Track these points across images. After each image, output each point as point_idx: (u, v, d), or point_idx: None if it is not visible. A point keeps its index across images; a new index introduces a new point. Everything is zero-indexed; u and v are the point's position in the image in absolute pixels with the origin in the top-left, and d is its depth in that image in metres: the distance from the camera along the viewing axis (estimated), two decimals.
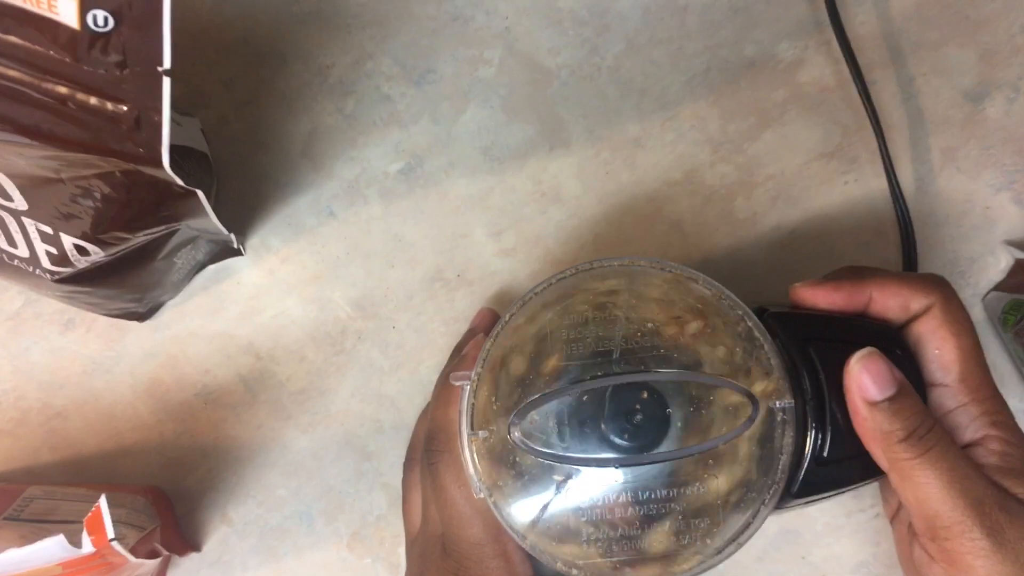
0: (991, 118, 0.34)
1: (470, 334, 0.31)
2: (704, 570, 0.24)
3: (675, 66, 0.34)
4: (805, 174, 0.34)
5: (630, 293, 0.26)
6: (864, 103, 0.32)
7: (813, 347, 0.25)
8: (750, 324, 0.25)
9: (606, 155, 0.34)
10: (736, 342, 0.25)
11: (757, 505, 0.24)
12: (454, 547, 0.26)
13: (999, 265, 0.33)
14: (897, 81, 0.34)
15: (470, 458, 0.25)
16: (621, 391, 0.24)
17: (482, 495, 0.24)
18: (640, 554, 0.25)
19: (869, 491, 0.32)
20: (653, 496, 0.25)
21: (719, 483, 0.25)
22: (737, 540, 0.24)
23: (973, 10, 0.34)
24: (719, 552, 0.24)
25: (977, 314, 0.33)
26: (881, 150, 0.33)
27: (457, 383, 0.25)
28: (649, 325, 0.25)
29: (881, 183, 0.33)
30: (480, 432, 0.24)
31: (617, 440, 0.23)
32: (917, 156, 0.34)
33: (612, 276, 0.26)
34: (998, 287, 0.33)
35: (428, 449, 0.27)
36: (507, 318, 0.26)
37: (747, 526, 0.24)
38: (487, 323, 0.31)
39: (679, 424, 0.24)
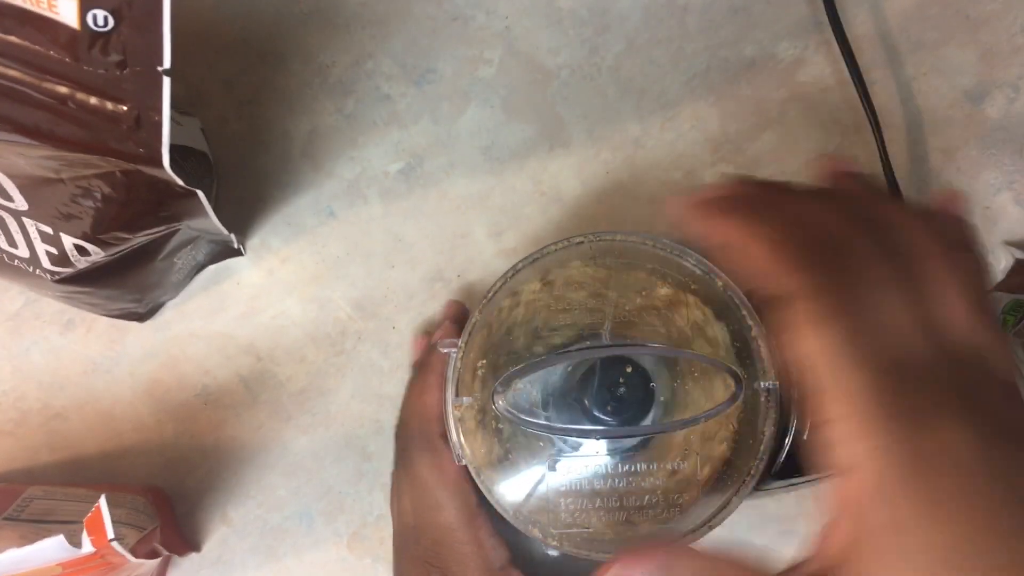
0: (991, 118, 0.34)
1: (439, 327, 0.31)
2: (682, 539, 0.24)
3: (675, 66, 0.34)
4: (805, 174, 0.34)
5: (620, 269, 0.27)
6: (863, 104, 0.32)
7: None
8: (738, 302, 0.25)
9: (606, 155, 0.34)
10: (724, 321, 0.26)
11: (737, 484, 0.24)
12: (426, 533, 0.25)
13: (999, 265, 0.33)
14: (897, 81, 0.34)
15: (453, 425, 0.25)
16: (606, 364, 0.24)
17: (463, 463, 0.24)
18: (620, 527, 0.25)
19: None
20: (634, 470, 0.25)
21: (700, 460, 0.25)
22: (716, 518, 0.24)
23: (973, 10, 0.34)
24: (695, 530, 0.24)
25: None
26: (880, 151, 0.33)
27: (444, 349, 0.26)
28: (638, 300, 0.26)
29: (881, 183, 0.33)
30: (464, 399, 0.25)
31: (600, 413, 0.23)
32: (917, 156, 0.34)
33: (603, 251, 0.26)
34: (998, 287, 0.33)
35: (400, 435, 0.27)
36: (497, 286, 0.26)
37: (727, 504, 0.24)
38: (455, 313, 0.31)
39: (662, 399, 0.25)
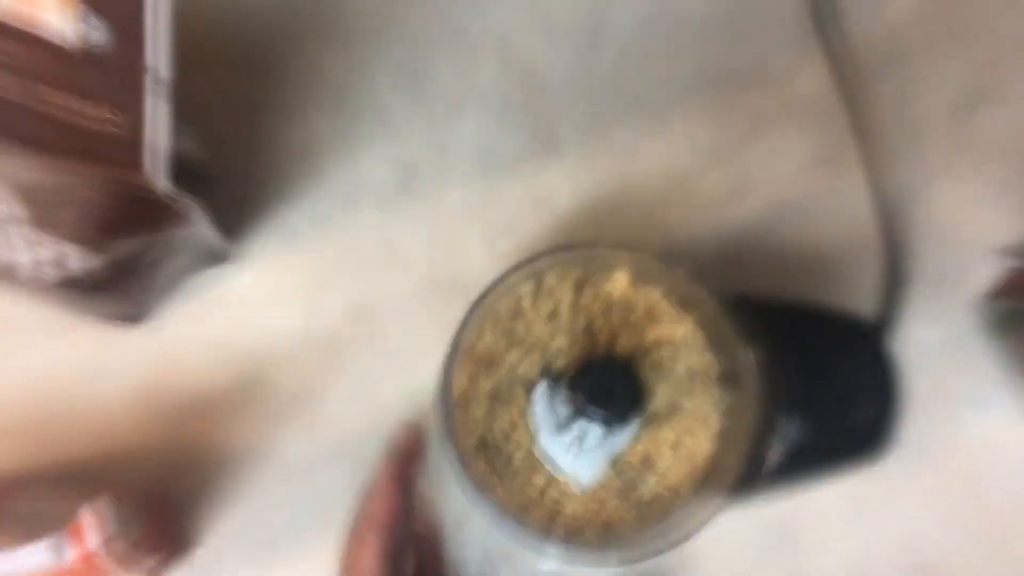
0: (984, 125, 0.34)
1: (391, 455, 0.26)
2: (668, 548, 0.24)
3: (669, 76, 0.34)
4: (797, 182, 0.34)
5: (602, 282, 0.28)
6: (857, 112, 0.33)
7: (788, 336, 0.26)
8: (722, 311, 0.25)
9: (600, 164, 0.34)
10: (708, 329, 0.27)
11: (725, 486, 0.24)
12: None
13: (991, 272, 0.33)
14: (891, 88, 0.34)
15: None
16: (599, 364, 0.25)
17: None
18: (603, 534, 0.26)
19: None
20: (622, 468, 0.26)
21: (680, 458, 0.26)
22: (700, 519, 0.24)
23: (968, 17, 0.34)
24: (678, 539, 0.24)
25: (969, 321, 0.33)
26: (872, 159, 0.33)
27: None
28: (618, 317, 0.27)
29: (874, 191, 0.33)
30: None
31: (593, 408, 0.24)
32: (910, 163, 0.34)
33: (581, 263, 0.28)
34: (991, 294, 0.33)
35: None
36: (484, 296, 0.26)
37: (714, 506, 0.24)
38: (406, 445, 0.26)
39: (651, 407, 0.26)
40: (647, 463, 0.27)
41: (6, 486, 0.30)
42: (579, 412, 0.24)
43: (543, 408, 0.27)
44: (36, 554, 0.24)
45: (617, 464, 0.27)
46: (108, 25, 0.20)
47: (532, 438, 0.27)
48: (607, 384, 0.24)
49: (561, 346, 0.27)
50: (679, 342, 0.27)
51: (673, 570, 0.31)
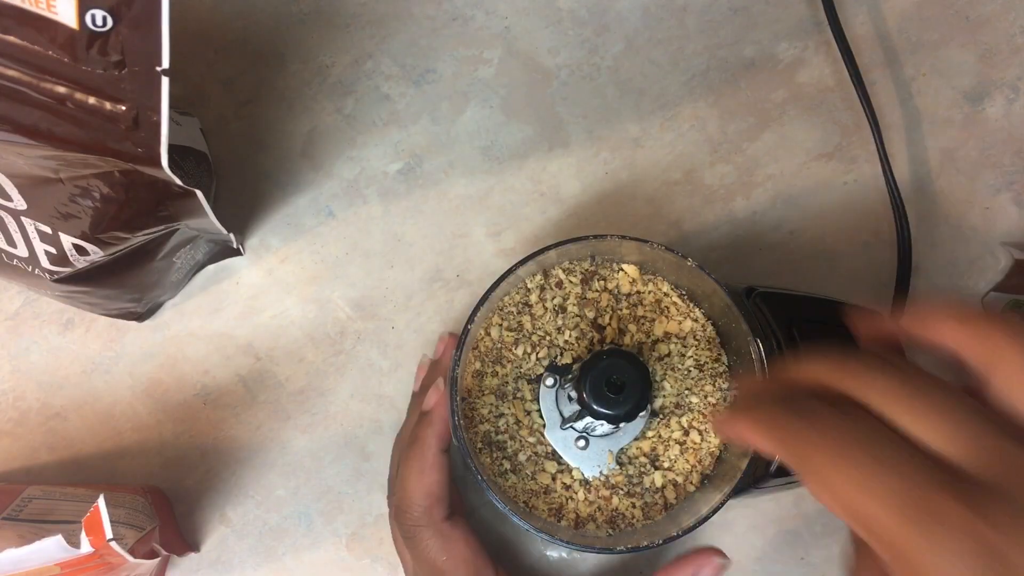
0: (990, 118, 0.34)
1: (432, 370, 0.30)
2: (676, 537, 0.24)
3: (674, 66, 0.34)
4: (804, 174, 0.34)
5: (613, 271, 0.28)
6: (863, 105, 0.32)
7: (796, 328, 0.26)
8: (730, 302, 0.25)
9: (605, 155, 0.34)
10: (716, 320, 0.27)
11: (731, 480, 0.24)
12: None
13: (998, 265, 0.33)
14: (897, 81, 0.34)
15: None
16: (605, 359, 0.24)
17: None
18: (611, 525, 0.26)
19: None
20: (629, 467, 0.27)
21: (689, 452, 0.26)
22: (706, 515, 0.24)
23: (972, 10, 0.34)
24: (683, 531, 0.24)
25: None
26: (879, 151, 0.33)
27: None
28: (626, 310, 0.27)
29: (880, 183, 0.33)
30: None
31: (598, 406, 0.24)
32: (916, 156, 0.34)
33: (590, 252, 0.27)
34: (997, 287, 0.33)
35: (403, 519, 0.26)
36: (492, 293, 0.26)
37: (721, 499, 0.24)
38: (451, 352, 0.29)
39: (658, 400, 0.27)
40: (654, 457, 0.27)
41: (15, 484, 0.30)
42: (586, 407, 0.24)
43: (550, 403, 0.27)
44: (52, 546, 0.24)
45: (623, 457, 0.27)
46: (109, 12, 0.20)
47: (539, 432, 0.27)
48: (614, 379, 0.23)
49: (568, 340, 0.27)
50: (687, 335, 0.27)
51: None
